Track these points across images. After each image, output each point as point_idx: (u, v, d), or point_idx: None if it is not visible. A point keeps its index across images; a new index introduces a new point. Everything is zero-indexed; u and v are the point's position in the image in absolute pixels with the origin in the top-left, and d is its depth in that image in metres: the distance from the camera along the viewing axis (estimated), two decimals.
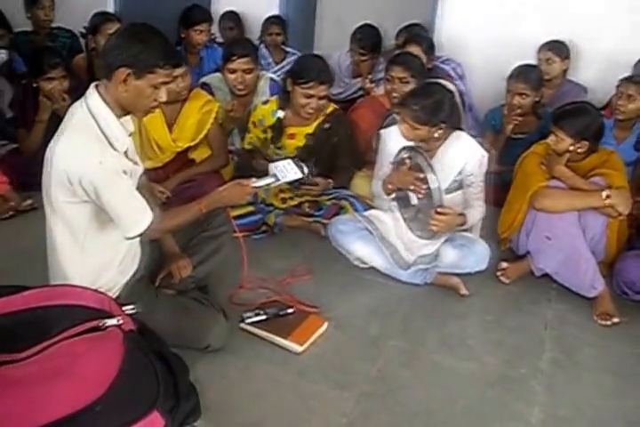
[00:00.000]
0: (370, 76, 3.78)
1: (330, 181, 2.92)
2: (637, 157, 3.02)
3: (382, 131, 2.74)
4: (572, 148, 2.50)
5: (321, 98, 2.80)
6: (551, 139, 2.54)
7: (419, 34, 3.75)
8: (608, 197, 2.40)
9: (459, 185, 2.59)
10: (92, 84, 1.83)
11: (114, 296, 1.86)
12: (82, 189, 1.74)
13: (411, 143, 2.54)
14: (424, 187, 2.43)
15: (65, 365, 1.24)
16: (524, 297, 2.59)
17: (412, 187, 2.48)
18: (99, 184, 1.73)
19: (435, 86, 2.61)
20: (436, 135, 2.48)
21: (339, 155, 3.00)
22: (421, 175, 2.42)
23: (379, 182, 2.68)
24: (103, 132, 1.78)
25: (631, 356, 2.26)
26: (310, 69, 2.77)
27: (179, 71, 2.67)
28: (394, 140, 2.61)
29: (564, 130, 2.49)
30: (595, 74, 3.54)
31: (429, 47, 3.56)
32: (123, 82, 1.75)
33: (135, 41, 1.74)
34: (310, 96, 2.78)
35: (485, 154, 2.58)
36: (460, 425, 1.88)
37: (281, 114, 2.88)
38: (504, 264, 2.67)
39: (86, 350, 1.29)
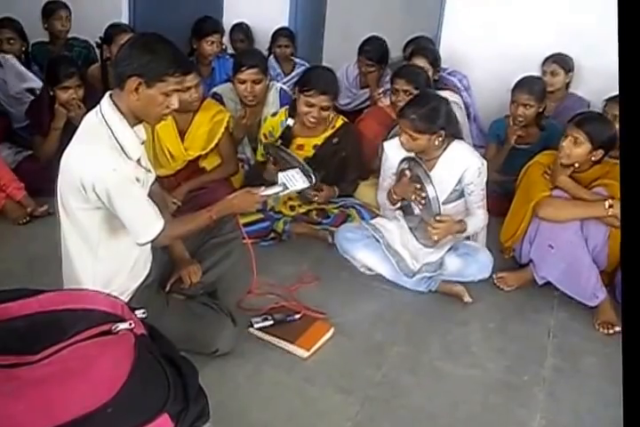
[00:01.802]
0: (382, 88, 3.82)
1: (335, 188, 2.97)
2: None
3: (385, 143, 2.77)
4: (587, 155, 2.48)
5: (323, 108, 2.83)
6: (567, 142, 2.50)
7: (425, 46, 3.79)
8: (611, 206, 2.41)
9: (460, 194, 2.62)
10: (107, 94, 1.87)
11: (125, 301, 1.89)
12: (95, 195, 1.78)
13: (411, 154, 2.59)
14: (423, 195, 2.49)
15: (78, 367, 1.26)
16: (527, 305, 2.61)
17: (412, 197, 2.54)
18: (112, 191, 1.77)
19: (429, 95, 2.66)
20: (436, 143, 2.51)
21: (346, 168, 3.04)
22: (419, 186, 2.48)
23: (383, 193, 2.74)
24: (117, 140, 1.82)
25: None
26: (314, 79, 2.83)
27: (191, 82, 2.72)
28: (395, 151, 2.65)
29: (588, 133, 2.45)
30: (597, 88, 3.54)
31: (435, 59, 3.59)
32: (134, 91, 1.78)
33: (145, 50, 1.77)
34: (311, 105, 2.81)
35: (484, 162, 2.59)
36: None
37: (290, 122, 2.92)
38: (501, 273, 2.71)
39: (99, 352, 1.31)
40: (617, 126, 2.62)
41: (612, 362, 2.27)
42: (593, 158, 2.52)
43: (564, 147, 2.52)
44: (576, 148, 2.50)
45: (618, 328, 2.43)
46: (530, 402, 2.05)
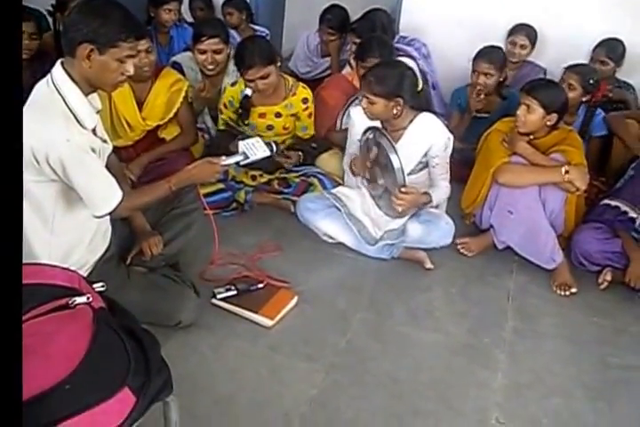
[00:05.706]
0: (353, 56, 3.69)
1: (300, 154, 2.95)
2: (585, 140, 3.05)
3: (351, 109, 2.73)
4: (541, 120, 2.52)
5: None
6: (522, 110, 2.54)
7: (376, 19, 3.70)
8: (567, 172, 2.46)
9: (424, 166, 2.62)
10: (58, 62, 1.79)
11: (84, 275, 1.86)
12: (49, 167, 1.72)
13: (376, 124, 2.57)
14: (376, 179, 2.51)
15: (34, 344, 1.23)
16: (487, 270, 2.66)
17: (363, 173, 2.57)
18: (66, 162, 1.71)
19: (394, 62, 2.65)
20: (394, 111, 2.48)
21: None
22: (369, 165, 2.53)
23: (349, 158, 2.73)
24: (70, 110, 1.75)
25: (587, 324, 2.35)
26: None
27: (143, 46, 2.63)
28: (361, 118, 2.62)
29: (538, 99, 2.50)
30: (554, 56, 3.56)
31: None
32: (86, 58, 1.71)
33: (95, 15, 1.69)
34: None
35: (451, 136, 2.58)
36: (426, 393, 1.94)
37: (248, 91, 2.85)
38: (463, 239, 2.74)
39: (55, 328, 1.28)
40: (568, 93, 2.70)
41: (569, 322, 2.36)
42: (548, 123, 2.56)
43: (519, 115, 2.56)
44: (530, 114, 2.54)
45: (574, 289, 2.51)
46: (491, 363, 2.11)
